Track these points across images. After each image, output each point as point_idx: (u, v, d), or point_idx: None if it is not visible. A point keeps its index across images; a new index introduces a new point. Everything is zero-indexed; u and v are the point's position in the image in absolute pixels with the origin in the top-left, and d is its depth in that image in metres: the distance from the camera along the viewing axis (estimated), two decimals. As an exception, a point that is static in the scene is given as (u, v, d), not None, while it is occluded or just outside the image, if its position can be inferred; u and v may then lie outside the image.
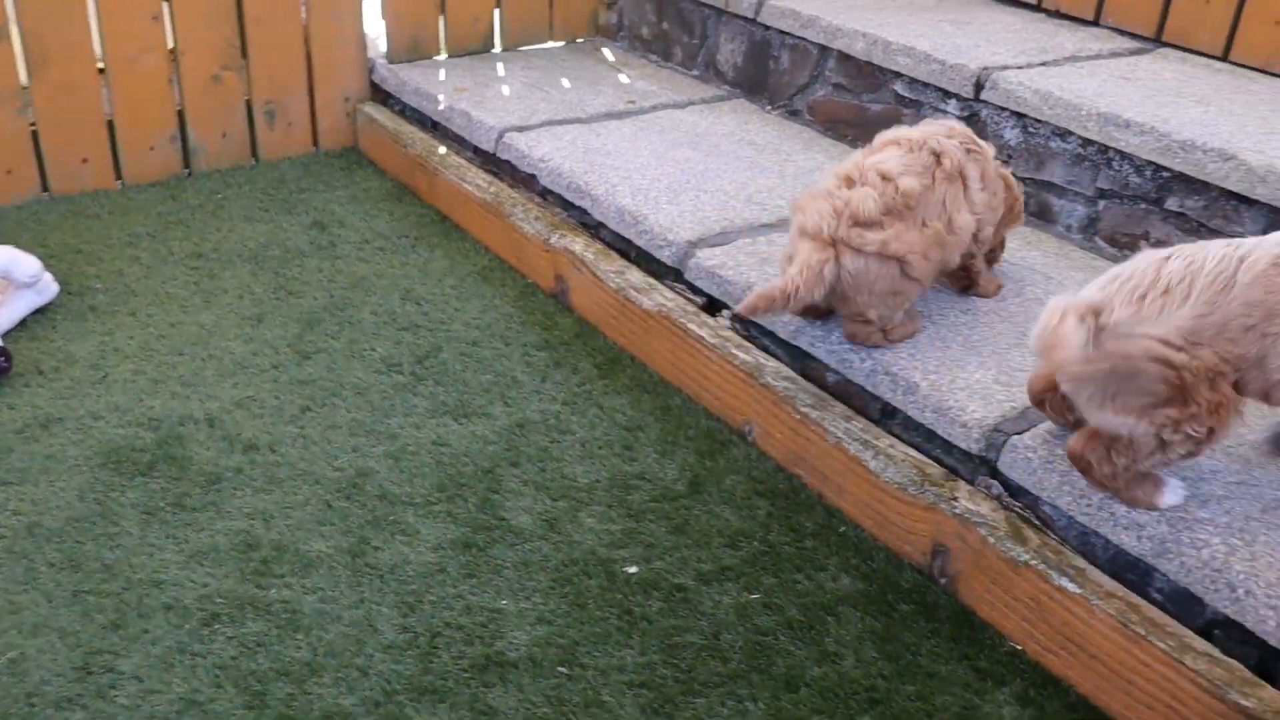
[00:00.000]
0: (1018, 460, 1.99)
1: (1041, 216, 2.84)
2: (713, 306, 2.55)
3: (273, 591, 1.98)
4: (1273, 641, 1.71)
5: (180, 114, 3.46)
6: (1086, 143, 2.71)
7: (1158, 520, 1.83)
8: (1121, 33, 3.34)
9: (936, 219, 2.18)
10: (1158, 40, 3.28)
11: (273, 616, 1.93)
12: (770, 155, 3.11)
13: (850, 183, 2.17)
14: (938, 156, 2.21)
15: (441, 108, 3.46)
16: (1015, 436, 2.01)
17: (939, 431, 2.10)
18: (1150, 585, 1.88)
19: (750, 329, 2.46)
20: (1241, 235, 2.47)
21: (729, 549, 2.10)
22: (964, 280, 2.41)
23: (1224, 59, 3.16)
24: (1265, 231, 2.42)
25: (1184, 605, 1.83)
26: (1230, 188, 2.44)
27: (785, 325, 2.36)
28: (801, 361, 2.35)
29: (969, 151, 2.25)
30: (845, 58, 3.23)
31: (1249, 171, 2.41)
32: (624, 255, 2.78)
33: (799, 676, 1.85)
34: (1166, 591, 1.85)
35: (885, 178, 2.15)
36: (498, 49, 3.94)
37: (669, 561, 2.07)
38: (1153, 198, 2.62)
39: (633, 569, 2.05)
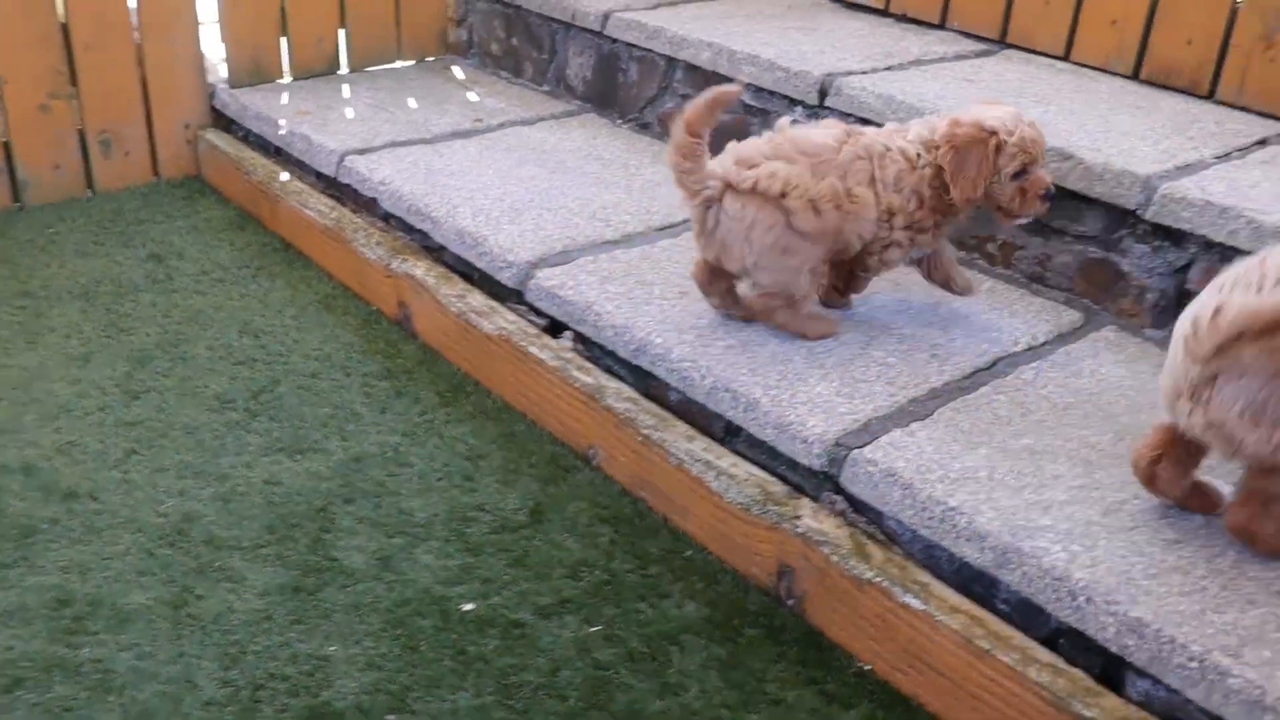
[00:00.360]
0: (859, 475, 1.94)
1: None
2: (555, 328, 2.47)
3: (84, 651, 1.86)
4: (1114, 648, 1.68)
5: (6, 146, 3.29)
6: (930, 147, 2.69)
7: (1000, 530, 1.79)
8: (967, 35, 3.34)
9: (835, 178, 2.14)
10: (1002, 42, 3.28)
11: (82, 678, 1.81)
12: (617, 170, 3.04)
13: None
14: (856, 135, 2.19)
15: (283, 132, 3.35)
16: (856, 450, 1.96)
17: (781, 448, 2.04)
18: (996, 596, 1.84)
19: (593, 349, 2.39)
20: (1084, 234, 2.46)
21: (570, 580, 2.02)
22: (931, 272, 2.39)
23: (1065, 59, 3.17)
24: (1105, 230, 2.41)
25: (1029, 615, 1.79)
26: (1070, 187, 2.43)
27: (626, 344, 2.29)
28: (644, 381, 2.29)
29: (900, 157, 2.20)
30: (692, 68, 3.18)
31: (1087, 170, 2.40)
32: (466, 278, 2.69)
33: (639, 711, 1.78)
34: (1012, 602, 1.82)
35: (784, 133, 2.17)
36: (344, 70, 3.83)
37: (507, 596, 1.99)
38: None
39: (469, 606, 1.97)
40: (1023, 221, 2.28)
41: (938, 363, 2.21)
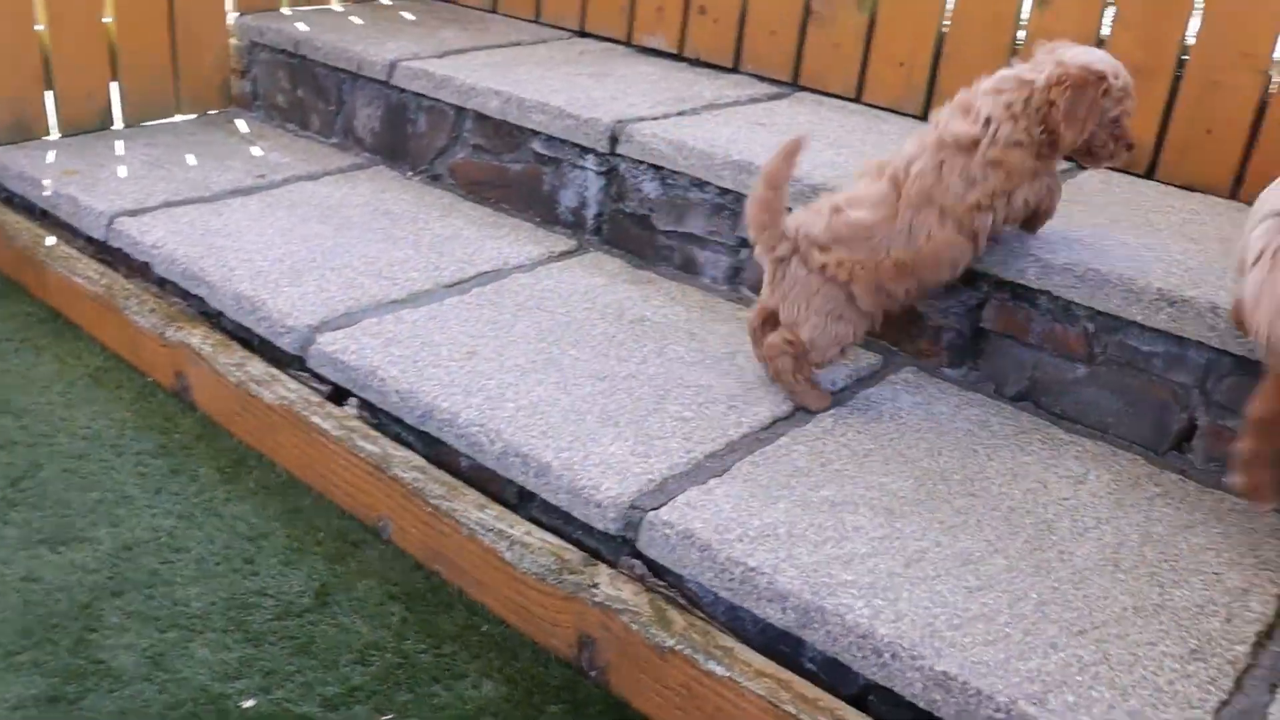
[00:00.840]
0: (656, 538, 1.86)
1: (687, 269, 2.76)
2: (339, 395, 2.34)
3: None
4: (922, 704, 1.63)
5: None
6: (724, 192, 2.65)
7: (802, 588, 1.73)
8: (760, 79, 3.34)
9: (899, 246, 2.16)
10: (795, 84, 3.28)
11: None
12: (406, 225, 2.93)
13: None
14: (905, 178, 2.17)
15: (47, 193, 3.13)
16: (653, 512, 1.88)
17: (576, 514, 1.95)
18: (803, 656, 1.78)
19: (379, 416, 2.26)
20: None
21: (359, 666, 1.89)
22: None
23: (857, 100, 3.18)
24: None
25: (837, 674, 1.74)
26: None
27: (412, 410, 2.17)
28: (433, 448, 2.17)
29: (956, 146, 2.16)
30: (482, 118, 3.09)
31: (876, 212, 2.38)
32: (246, 345, 2.54)
33: (432, 809, 1.65)
34: (819, 661, 1.76)
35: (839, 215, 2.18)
36: (119, 125, 3.63)
37: (291, 689, 1.85)
38: (791, 244, 2.56)
39: (249, 702, 1.82)
40: (1105, 165, 2.26)
41: (735, 414, 2.15)
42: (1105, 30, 2.78)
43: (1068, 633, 1.69)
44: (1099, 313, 2.19)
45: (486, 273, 2.68)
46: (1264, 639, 1.74)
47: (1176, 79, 2.68)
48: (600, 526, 1.92)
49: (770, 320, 2.26)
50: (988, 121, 2.11)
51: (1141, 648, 1.68)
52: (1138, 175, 2.78)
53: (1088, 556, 1.86)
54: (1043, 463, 2.10)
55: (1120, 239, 2.33)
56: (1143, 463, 2.15)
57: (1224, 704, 1.61)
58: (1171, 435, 2.18)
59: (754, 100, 3.13)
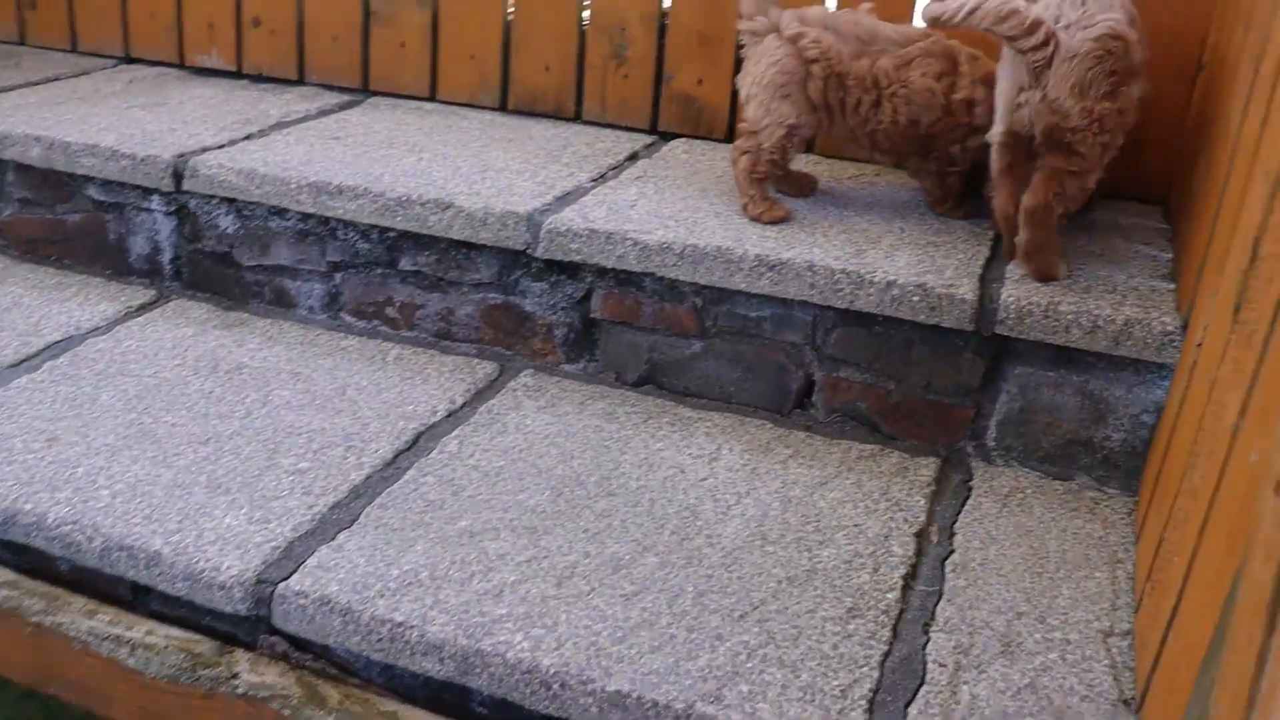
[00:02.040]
0: (292, 611, 1.71)
1: (280, 304, 2.58)
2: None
3: None
4: (599, 730, 1.57)
5: None
6: (306, 216, 2.49)
7: (455, 634, 1.63)
8: (329, 88, 3.17)
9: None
10: (366, 90, 3.14)
11: None
12: (-48, 303, 2.60)
13: None
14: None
15: None
16: (283, 583, 1.72)
17: (200, 600, 1.77)
18: (472, 702, 1.68)
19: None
20: (480, 281, 2.36)
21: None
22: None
23: (432, 99, 3.08)
24: (500, 275, 2.32)
25: (511, 714, 1.65)
26: (455, 237, 2.32)
27: (-12, 519, 1.92)
28: (23, 556, 1.92)
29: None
30: (24, 168, 2.78)
31: (469, 218, 2.30)
32: None
33: None
34: (490, 704, 1.67)
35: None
36: None
37: None
38: (386, 261, 2.44)
39: None
40: None
41: (355, 455, 2.02)
42: (667, 2, 2.79)
43: (730, 620, 1.67)
44: (704, 286, 2.19)
45: (57, 342, 2.41)
46: (910, 580, 1.78)
47: (740, 45, 2.72)
48: (229, 609, 1.75)
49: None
50: None
51: (802, 618, 1.68)
52: (719, 140, 2.82)
53: (735, 535, 1.85)
54: (675, 446, 2.09)
55: (712, 209, 2.34)
56: (770, 426, 2.17)
57: (886, 655, 1.63)
58: (793, 395, 2.21)
59: (325, 112, 2.97)
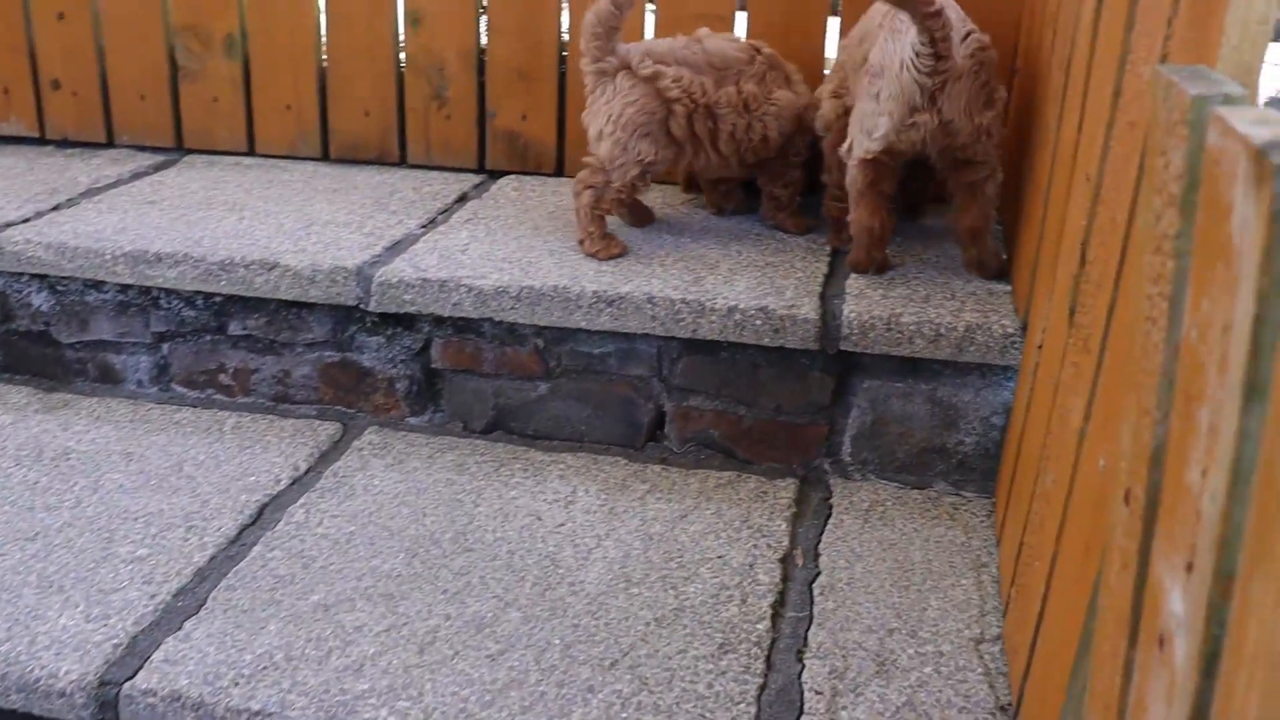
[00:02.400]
0: (141, 712, 1.61)
1: (106, 380, 2.46)
2: None
3: None
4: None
5: None
6: (126, 288, 2.38)
7: (316, 715, 1.55)
8: (142, 149, 3.05)
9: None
10: (181, 148, 3.03)
11: None
12: None
13: None
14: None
15: None
16: (128, 683, 1.62)
17: (38, 711, 1.66)
18: (337, 784, 1.60)
19: None
20: (314, 340, 2.28)
21: None
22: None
23: (251, 153, 2.99)
24: (335, 332, 2.25)
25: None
26: (285, 297, 2.24)
27: None
28: None
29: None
30: None
31: (297, 276, 2.22)
32: None
33: None
34: (355, 785, 1.59)
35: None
36: None
37: None
38: (214, 327, 2.35)
39: None
40: None
41: (197, 535, 1.92)
42: (484, 40, 2.75)
43: (600, 669, 1.62)
44: (544, 327, 2.15)
45: None
46: (779, 608, 1.77)
47: (562, 76, 2.70)
48: (72, 718, 1.64)
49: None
50: None
51: (674, 659, 1.64)
52: (548, 175, 2.78)
53: (598, 580, 1.80)
54: (530, 492, 2.04)
55: (546, 246, 2.30)
56: (625, 463, 2.14)
57: (762, 689, 1.60)
58: (644, 429, 2.18)
59: (138, 175, 2.85)
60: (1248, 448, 0.74)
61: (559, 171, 2.76)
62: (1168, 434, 0.94)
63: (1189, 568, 0.83)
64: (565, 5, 2.72)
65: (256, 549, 1.88)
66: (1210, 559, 0.78)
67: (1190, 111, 0.90)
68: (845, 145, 2.12)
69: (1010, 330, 1.95)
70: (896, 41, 2.02)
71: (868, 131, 2.05)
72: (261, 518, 1.97)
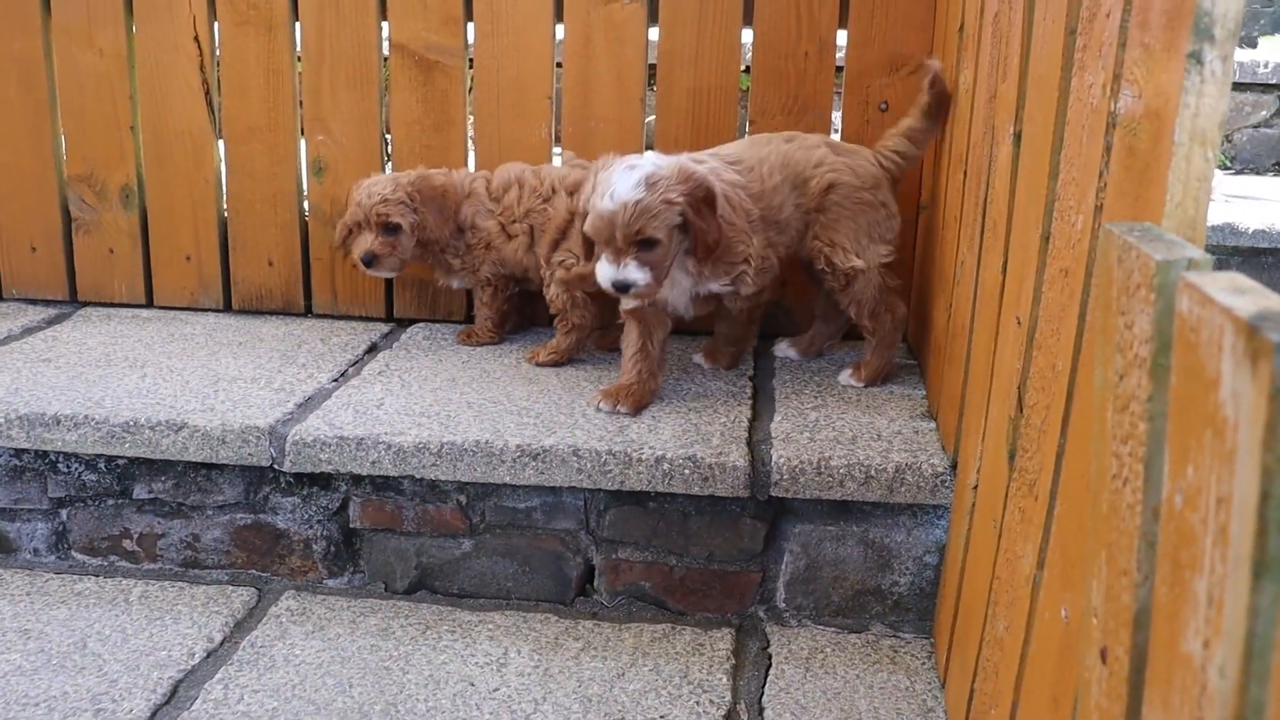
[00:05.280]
0: None
1: (0, 550, 2.33)
2: None
3: None
4: None
5: None
6: (20, 452, 2.27)
7: None
8: (33, 302, 2.96)
9: None
10: (75, 301, 2.94)
11: None
12: None
13: None
14: None
15: None
16: None
17: None
18: None
19: None
20: (226, 502, 2.19)
21: None
22: None
23: (149, 305, 2.91)
24: (248, 493, 2.17)
25: None
26: (193, 459, 2.15)
27: None
28: None
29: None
30: None
31: (206, 437, 2.14)
32: None
33: None
34: None
35: None
36: None
37: None
38: (118, 490, 2.25)
39: None
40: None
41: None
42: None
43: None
44: (467, 483, 2.10)
45: None
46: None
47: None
48: None
49: None
50: None
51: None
52: (459, 322, 2.75)
53: (537, 749, 1.73)
54: (460, 656, 1.96)
55: (464, 398, 2.25)
56: (555, 619, 2.08)
57: None
58: (573, 583, 2.12)
59: (30, 330, 2.75)
60: (1260, 624, 0.73)
61: (469, 318, 2.73)
62: (1152, 597, 0.92)
63: (1196, 743, 0.81)
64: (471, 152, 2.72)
65: (171, 732, 1.78)
66: (1225, 737, 0.76)
67: (1155, 276, 0.90)
68: None
69: (940, 469, 1.95)
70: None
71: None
72: (176, 696, 1.86)
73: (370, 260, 2.50)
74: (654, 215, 2.03)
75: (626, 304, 2.19)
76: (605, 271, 2.08)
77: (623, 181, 2.03)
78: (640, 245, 2.05)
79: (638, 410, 2.18)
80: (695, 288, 2.22)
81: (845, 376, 2.34)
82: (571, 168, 2.54)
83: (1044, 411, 1.37)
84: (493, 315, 2.62)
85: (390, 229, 2.50)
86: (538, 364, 2.47)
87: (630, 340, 2.22)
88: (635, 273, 2.05)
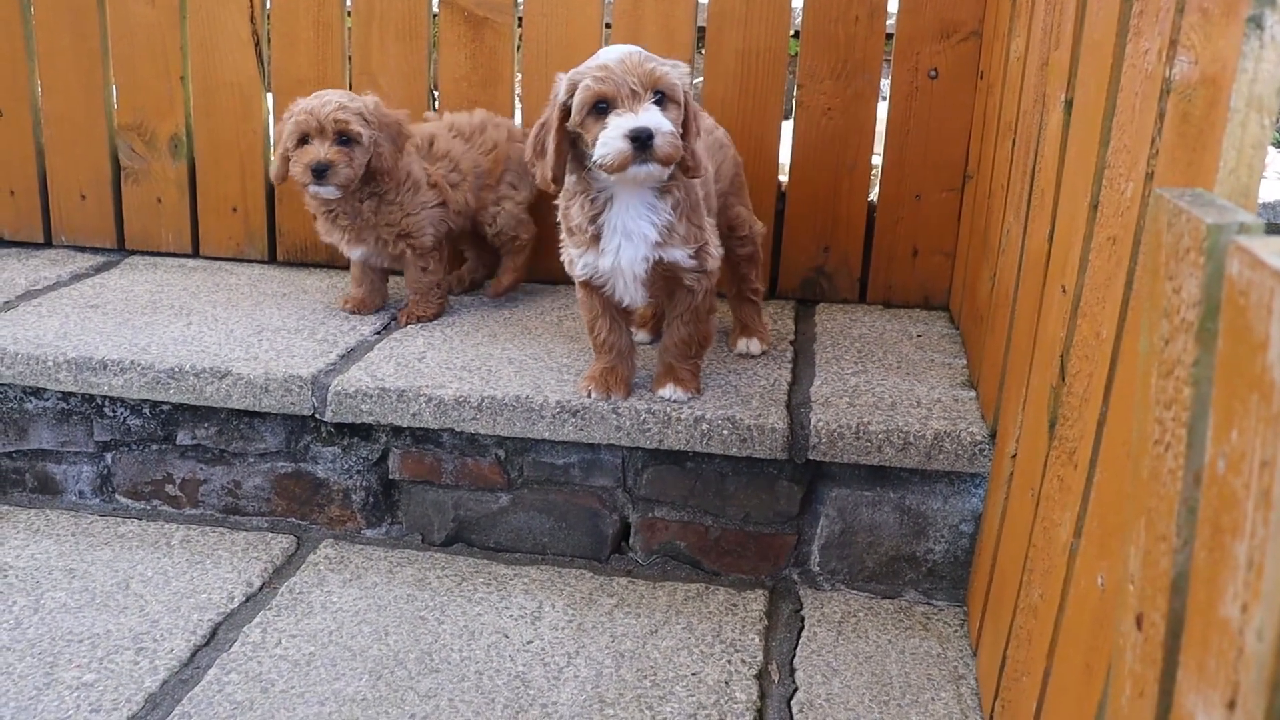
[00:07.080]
0: None
1: (45, 491, 2.37)
2: None
3: None
4: None
5: None
6: (68, 395, 2.30)
7: None
8: (81, 250, 2.99)
9: None
10: (123, 250, 2.97)
11: None
12: None
13: None
14: None
15: None
16: (75, 821, 1.53)
17: None
18: None
19: None
20: (267, 450, 2.22)
21: None
22: None
23: (196, 255, 2.93)
24: (289, 442, 2.19)
25: None
26: (236, 406, 2.17)
27: None
28: None
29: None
30: None
31: (249, 385, 2.16)
32: None
33: None
34: None
35: None
36: None
37: None
38: (162, 436, 2.28)
39: None
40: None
41: (147, 659, 1.83)
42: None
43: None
44: (506, 438, 2.11)
45: None
46: (752, 727, 1.72)
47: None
48: None
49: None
50: None
51: (648, 785, 1.58)
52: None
53: (571, 701, 1.75)
54: (495, 608, 1.98)
55: (505, 354, 2.26)
56: (590, 576, 2.09)
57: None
58: (609, 540, 2.14)
59: (79, 277, 2.78)
60: (1301, 589, 0.73)
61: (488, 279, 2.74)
62: (1191, 562, 0.92)
63: (1231, 705, 0.81)
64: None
65: (212, 672, 1.80)
66: (1260, 700, 0.76)
67: (1206, 239, 0.90)
68: None
69: (979, 438, 1.94)
70: None
71: None
72: (215, 638, 1.89)
73: (323, 170, 2.23)
74: (670, 68, 1.81)
75: (579, 274, 2.00)
76: (621, 123, 1.78)
77: (618, 48, 1.85)
78: (658, 99, 1.80)
79: (629, 393, 2.07)
80: (657, 251, 1.95)
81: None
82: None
83: (1086, 380, 1.36)
84: (441, 281, 2.47)
85: (346, 139, 2.25)
86: (501, 292, 2.60)
87: (594, 318, 2.06)
88: (659, 116, 1.78)
